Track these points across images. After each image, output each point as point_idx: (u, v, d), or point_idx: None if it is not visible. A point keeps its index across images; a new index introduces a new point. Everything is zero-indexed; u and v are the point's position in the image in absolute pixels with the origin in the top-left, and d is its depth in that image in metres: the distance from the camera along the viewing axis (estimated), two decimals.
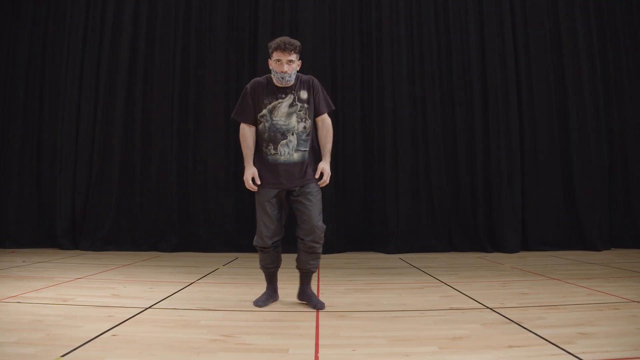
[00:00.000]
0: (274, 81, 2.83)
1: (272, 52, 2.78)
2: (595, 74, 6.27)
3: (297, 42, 2.81)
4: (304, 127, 2.82)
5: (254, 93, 2.84)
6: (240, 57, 6.35)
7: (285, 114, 2.81)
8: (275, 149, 2.79)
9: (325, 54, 6.23)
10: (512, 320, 2.45)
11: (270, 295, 2.98)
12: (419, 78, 6.28)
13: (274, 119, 2.80)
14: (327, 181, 2.83)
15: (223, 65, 6.29)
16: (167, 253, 5.79)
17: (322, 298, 3.09)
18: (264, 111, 2.82)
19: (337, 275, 4.18)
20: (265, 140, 2.82)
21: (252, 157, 2.86)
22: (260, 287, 3.50)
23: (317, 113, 2.91)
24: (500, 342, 2.08)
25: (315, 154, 2.91)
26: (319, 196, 2.86)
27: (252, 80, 2.92)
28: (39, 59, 6.47)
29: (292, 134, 2.80)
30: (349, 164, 6.21)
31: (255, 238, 2.87)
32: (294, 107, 2.83)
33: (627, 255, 5.43)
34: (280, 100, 2.82)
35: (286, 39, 2.78)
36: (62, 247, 5.95)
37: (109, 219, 6.06)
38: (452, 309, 2.77)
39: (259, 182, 2.81)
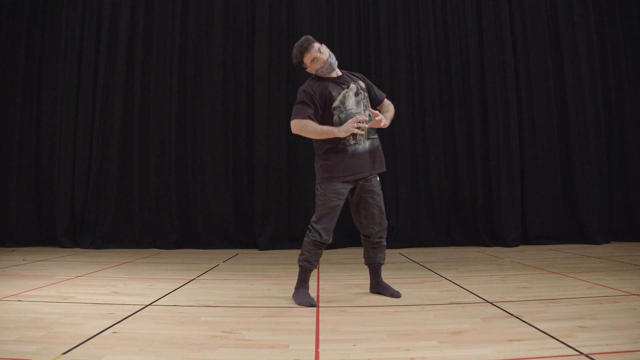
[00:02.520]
0: (327, 76, 2.84)
1: (303, 60, 2.81)
2: (595, 71, 6.26)
3: (308, 36, 2.86)
4: (369, 115, 2.80)
5: (315, 91, 2.78)
6: (237, 56, 6.33)
7: (355, 102, 2.82)
8: (355, 138, 2.76)
9: None
10: (512, 314, 2.45)
11: (308, 292, 2.87)
12: (417, 73, 6.27)
13: (347, 108, 2.78)
14: (381, 120, 2.73)
15: (221, 63, 6.28)
16: (167, 250, 5.79)
17: (322, 294, 3.10)
18: (336, 102, 2.78)
19: (337, 270, 4.18)
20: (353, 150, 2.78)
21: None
22: (260, 284, 3.52)
23: (378, 101, 3.01)
24: (500, 336, 2.09)
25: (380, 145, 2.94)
26: (381, 193, 2.89)
27: (304, 86, 2.86)
28: (36, 59, 6.45)
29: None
30: None
31: (313, 233, 2.76)
32: (360, 96, 2.85)
33: (626, 248, 5.44)
34: (346, 90, 2.82)
35: (298, 42, 2.83)
36: (62, 245, 5.95)
37: (109, 217, 6.06)
38: (452, 303, 2.77)
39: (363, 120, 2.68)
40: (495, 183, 6.05)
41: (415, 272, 3.96)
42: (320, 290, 3.21)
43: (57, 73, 6.35)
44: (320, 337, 2.14)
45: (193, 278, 3.75)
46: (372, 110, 2.78)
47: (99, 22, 6.35)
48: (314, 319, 2.44)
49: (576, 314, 2.43)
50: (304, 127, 2.73)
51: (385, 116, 2.86)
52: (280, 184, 6.08)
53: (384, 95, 3.06)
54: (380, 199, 2.86)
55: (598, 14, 6.43)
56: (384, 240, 2.91)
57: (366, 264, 2.99)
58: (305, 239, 2.81)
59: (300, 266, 2.85)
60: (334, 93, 2.79)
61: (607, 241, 5.95)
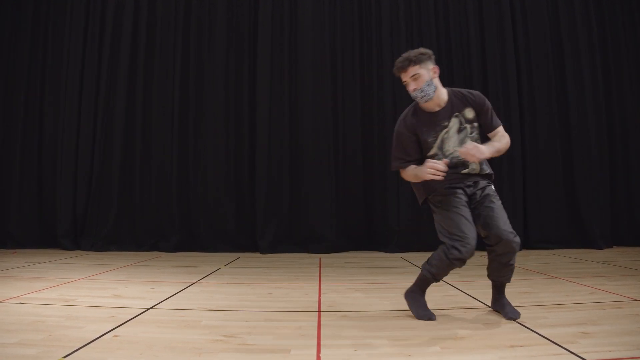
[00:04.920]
0: (424, 107, 2.48)
1: (401, 78, 2.48)
2: (596, 72, 6.26)
3: (414, 52, 2.44)
4: (452, 158, 2.44)
5: (410, 135, 2.48)
6: (240, 59, 6.35)
7: (457, 141, 2.45)
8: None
9: (326, 55, 6.21)
10: (515, 320, 2.44)
11: (425, 302, 2.60)
12: None
13: (446, 153, 2.44)
14: (469, 153, 2.30)
15: (223, 66, 6.30)
16: (168, 253, 5.79)
17: (323, 298, 3.08)
18: (434, 150, 2.46)
19: (339, 274, 4.17)
20: (457, 175, 2.47)
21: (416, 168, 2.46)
22: (261, 288, 3.51)
23: (488, 129, 2.53)
24: (502, 342, 2.08)
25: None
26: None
27: (399, 121, 2.56)
28: (40, 61, 6.48)
29: (467, 163, 2.45)
30: (349, 162, 6.20)
31: (451, 251, 2.35)
32: (464, 132, 2.46)
33: (629, 253, 5.42)
34: (445, 130, 2.45)
35: (402, 56, 2.46)
36: (64, 247, 5.96)
37: (110, 219, 6.07)
38: (454, 308, 2.76)
39: (443, 166, 2.29)
40: (497, 187, 6.00)
41: (417, 277, 3.93)
42: (321, 295, 3.20)
43: (60, 75, 6.37)
44: (322, 342, 2.13)
45: (194, 281, 3.75)
46: (452, 155, 2.43)
47: (102, 27, 6.37)
48: (316, 324, 2.44)
49: (578, 320, 2.42)
50: (407, 176, 2.54)
51: (486, 145, 2.39)
52: (281, 187, 6.08)
53: (498, 123, 2.54)
54: (497, 204, 2.48)
55: (598, 11, 6.42)
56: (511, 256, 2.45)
57: (488, 277, 2.60)
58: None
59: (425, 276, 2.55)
60: (429, 140, 2.45)
61: (609, 246, 5.93)
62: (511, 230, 2.37)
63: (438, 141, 2.46)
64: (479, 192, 2.50)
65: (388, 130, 6.12)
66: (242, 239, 6.05)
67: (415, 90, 2.42)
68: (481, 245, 2.39)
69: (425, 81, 2.41)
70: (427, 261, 2.55)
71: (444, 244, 2.44)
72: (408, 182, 6.16)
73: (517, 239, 2.37)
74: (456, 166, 2.46)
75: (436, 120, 2.46)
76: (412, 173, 2.48)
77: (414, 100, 2.55)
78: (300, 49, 6.26)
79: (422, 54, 2.44)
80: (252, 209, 6.10)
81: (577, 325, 2.31)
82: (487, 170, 2.59)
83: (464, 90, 2.55)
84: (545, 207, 6.06)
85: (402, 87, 6.42)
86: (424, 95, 2.42)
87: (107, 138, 6.23)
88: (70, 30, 6.39)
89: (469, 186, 2.50)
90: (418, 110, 2.52)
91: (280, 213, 6.03)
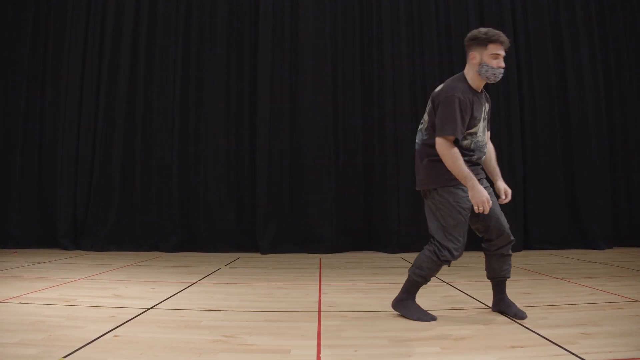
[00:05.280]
0: (479, 80, 2.44)
1: (488, 44, 2.37)
2: (597, 72, 6.25)
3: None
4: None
5: (467, 104, 2.36)
6: (240, 60, 6.35)
7: (483, 128, 2.49)
8: (473, 168, 2.42)
9: (327, 55, 6.21)
10: (515, 320, 2.44)
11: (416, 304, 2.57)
12: (419, 74, 6.25)
13: (479, 135, 2.45)
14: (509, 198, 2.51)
15: (223, 66, 6.30)
16: (168, 253, 5.79)
17: (323, 298, 3.08)
18: (477, 128, 2.43)
19: (339, 275, 4.17)
20: (466, 155, 2.40)
21: (469, 175, 2.32)
22: (261, 288, 3.51)
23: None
24: (502, 343, 2.08)
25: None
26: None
27: (453, 89, 2.40)
28: (40, 61, 6.48)
29: (484, 149, 2.50)
30: (350, 163, 6.20)
31: (443, 252, 2.40)
32: (486, 121, 2.51)
33: (629, 253, 5.42)
34: (486, 112, 2.50)
35: (501, 33, 2.41)
36: (64, 247, 5.95)
37: (111, 219, 6.07)
38: (454, 309, 2.76)
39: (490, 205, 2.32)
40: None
41: None
42: (322, 295, 3.20)
43: (61, 77, 6.36)
44: (322, 342, 2.13)
45: (194, 281, 3.75)
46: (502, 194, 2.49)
47: (103, 27, 6.37)
48: (316, 324, 2.44)
49: (579, 320, 2.42)
50: (450, 156, 2.31)
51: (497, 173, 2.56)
52: (282, 187, 6.08)
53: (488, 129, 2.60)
54: (495, 201, 2.49)
55: (599, 10, 6.41)
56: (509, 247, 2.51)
57: (488, 278, 2.59)
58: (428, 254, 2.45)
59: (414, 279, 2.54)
60: (476, 114, 2.39)
61: (610, 246, 5.92)
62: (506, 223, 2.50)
63: (482, 120, 2.46)
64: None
65: (388, 130, 6.14)
66: (242, 239, 6.05)
67: (503, 68, 2.41)
68: (478, 245, 2.40)
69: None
70: (415, 265, 2.53)
71: (431, 242, 2.46)
72: (408, 182, 6.11)
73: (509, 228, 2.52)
74: (480, 149, 2.47)
75: (481, 101, 2.48)
76: (459, 164, 2.31)
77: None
78: (301, 50, 6.26)
79: None
80: (253, 209, 6.10)
81: (577, 326, 2.31)
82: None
83: None
84: (545, 207, 6.06)
85: (402, 87, 6.42)
86: (500, 74, 2.43)
87: (108, 138, 6.23)
88: (71, 30, 6.38)
89: (480, 181, 2.46)
90: (469, 87, 2.45)
91: (281, 213, 6.03)
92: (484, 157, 2.54)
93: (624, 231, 6.13)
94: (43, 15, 6.54)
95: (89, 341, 2.10)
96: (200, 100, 6.30)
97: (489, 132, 2.59)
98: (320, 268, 4.57)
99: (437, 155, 2.39)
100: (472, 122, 2.41)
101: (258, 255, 5.71)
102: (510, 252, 2.52)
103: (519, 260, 5.01)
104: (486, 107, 2.52)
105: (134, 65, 6.32)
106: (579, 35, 6.25)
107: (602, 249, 5.78)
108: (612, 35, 6.44)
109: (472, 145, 2.45)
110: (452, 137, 2.33)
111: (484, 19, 6.28)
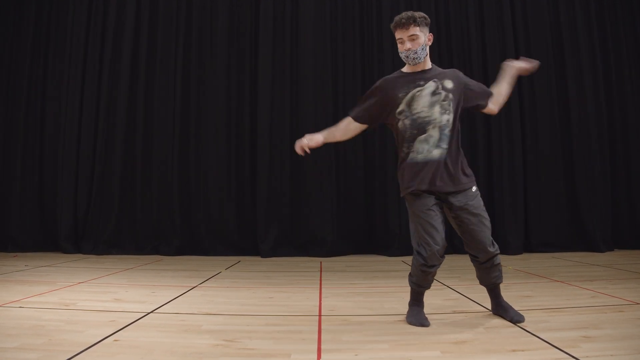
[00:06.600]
0: (407, 67, 2.54)
1: (394, 34, 2.49)
2: (597, 73, 6.26)
3: (418, 13, 2.46)
4: (447, 120, 2.43)
5: (384, 89, 2.51)
6: (241, 62, 6.36)
7: (427, 103, 2.43)
8: (413, 146, 2.44)
9: (327, 55, 6.23)
10: (516, 324, 2.43)
11: (421, 310, 2.56)
12: None
13: (413, 112, 2.43)
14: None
15: (224, 68, 6.31)
16: (169, 257, 5.79)
17: (324, 302, 3.08)
18: (402, 106, 2.46)
19: (339, 278, 4.17)
20: (407, 140, 2.46)
21: (324, 132, 2.60)
22: (262, 292, 3.51)
23: (477, 106, 2.65)
24: (503, 346, 2.07)
25: (461, 157, 2.54)
26: (482, 206, 2.49)
27: (382, 78, 2.61)
28: (41, 63, 6.50)
29: (434, 127, 2.41)
30: (350, 166, 6.20)
31: (418, 258, 2.42)
32: (437, 96, 2.45)
33: (630, 256, 5.41)
34: (419, 89, 2.45)
35: (405, 13, 2.46)
36: (65, 250, 5.96)
37: (111, 223, 6.07)
38: (454, 312, 2.76)
39: (311, 144, 2.52)
40: (498, 190, 6.03)
41: None
42: (322, 299, 3.19)
43: (62, 79, 6.39)
44: (323, 346, 2.12)
45: (195, 285, 3.74)
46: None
47: (104, 27, 6.40)
48: (316, 328, 2.43)
49: (580, 324, 2.41)
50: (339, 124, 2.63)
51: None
52: (282, 191, 6.08)
53: (487, 96, 2.67)
54: (477, 216, 2.44)
55: (599, 10, 6.42)
56: (495, 259, 2.52)
57: (481, 284, 2.63)
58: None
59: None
60: (400, 94, 2.46)
61: (611, 249, 5.91)
62: (491, 240, 2.50)
63: (408, 96, 2.46)
64: (453, 201, 2.45)
65: (389, 133, 6.12)
66: (243, 243, 6.05)
67: (409, 50, 2.45)
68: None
69: (421, 44, 2.46)
70: (409, 273, 2.60)
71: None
72: None
73: (494, 245, 2.52)
74: (420, 127, 2.43)
75: (414, 79, 2.50)
76: (333, 129, 2.63)
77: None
78: (302, 50, 6.28)
79: (425, 17, 2.49)
80: (253, 213, 6.10)
81: (578, 329, 2.30)
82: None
83: (453, 70, 2.67)
84: (546, 210, 6.05)
85: None
86: (416, 58, 2.47)
87: (108, 141, 6.24)
88: (73, 31, 6.41)
89: (449, 193, 2.45)
90: (401, 73, 2.57)
91: (281, 217, 6.03)
92: (432, 129, 2.43)
93: (625, 233, 6.13)
94: (45, 15, 6.58)
95: (89, 345, 2.10)
96: (200, 102, 6.32)
97: (490, 107, 2.70)
98: (320, 272, 4.57)
99: (401, 162, 2.54)
100: (394, 102, 2.49)
101: (259, 258, 5.71)
102: (497, 262, 2.52)
103: (519, 263, 5.01)
104: (431, 84, 2.47)
105: (135, 68, 6.34)
106: (579, 36, 6.26)
107: (603, 252, 5.76)
108: (612, 36, 6.45)
109: (402, 125, 2.47)
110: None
111: (483, 20, 6.32)
